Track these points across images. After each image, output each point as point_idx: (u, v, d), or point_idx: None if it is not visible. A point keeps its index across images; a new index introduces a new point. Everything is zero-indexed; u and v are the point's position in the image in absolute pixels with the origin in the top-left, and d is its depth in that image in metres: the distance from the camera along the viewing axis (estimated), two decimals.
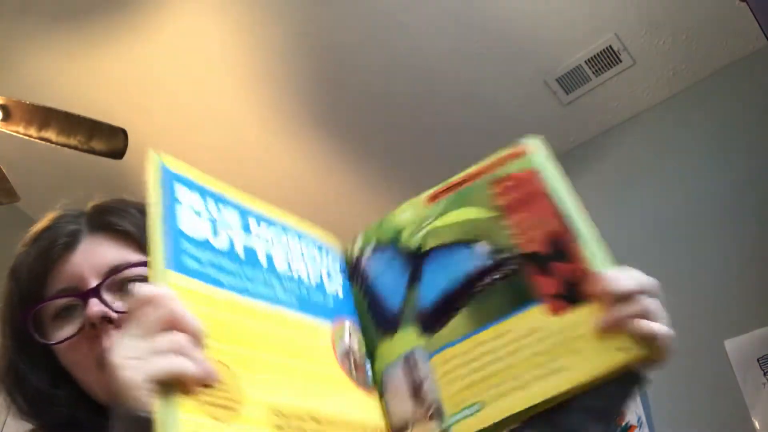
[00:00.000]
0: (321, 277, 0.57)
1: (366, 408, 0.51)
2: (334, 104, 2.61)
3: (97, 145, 1.99)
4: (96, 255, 0.59)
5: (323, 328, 0.53)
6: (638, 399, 2.06)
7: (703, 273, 2.11)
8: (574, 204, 0.57)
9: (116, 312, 0.56)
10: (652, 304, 0.48)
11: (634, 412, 2.04)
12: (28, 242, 0.62)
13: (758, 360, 1.86)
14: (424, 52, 2.39)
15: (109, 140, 2.00)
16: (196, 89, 2.58)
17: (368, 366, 0.55)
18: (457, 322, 0.53)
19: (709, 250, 2.14)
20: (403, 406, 0.51)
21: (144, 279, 0.57)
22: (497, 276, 0.54)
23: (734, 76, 2.36)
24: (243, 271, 0.49)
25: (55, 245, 0.59)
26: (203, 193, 0.52)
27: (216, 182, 0.54)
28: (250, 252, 0.51)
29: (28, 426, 0.60)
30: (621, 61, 2.39)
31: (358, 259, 0.62)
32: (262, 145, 2.80)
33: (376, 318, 0.57)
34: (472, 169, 0.63)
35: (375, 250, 0.61)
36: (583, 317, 0.49)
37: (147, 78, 2.53)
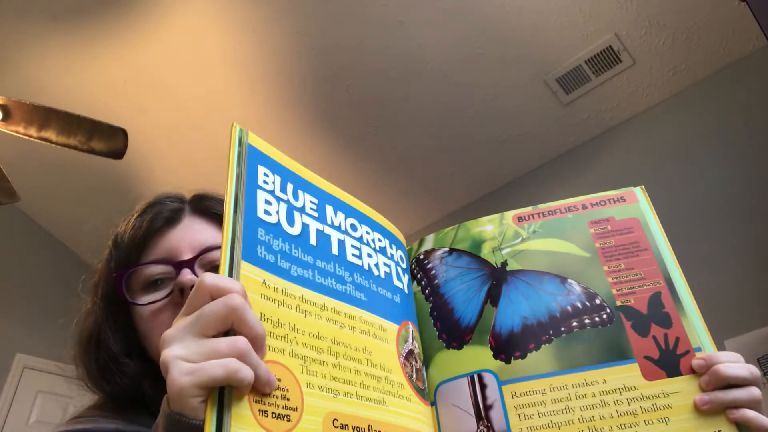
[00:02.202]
0: (391, 270, 0.55)
1: (422, 419, 0.49)
2: (334, 104, 2.61)
3: (97, 145, 1.99)
4: (194, 233, 0.62)
5: (390, 328, 0.51)
6: None
7: (703, 273, 2.11)
8: (676, 265, 0.55)
9: None
10: (759, 395, 0.48)
11: None
12: (133, 216, 0.64)
13: (758, 360, 1.86)
14: (424, 52, 2.39)
15: (109, 140, 2.00)
16: (196, 89, 2.58)
17: (425, 373, 0.53)
18: (539, 357, 0.51)
19: (708, 250, 2.14)
20: (464, 424, 0.49)
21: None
22: (589, 321, 0.52)
23: (734, 76, 2.36)
24: (315, 261, 0.47)
25: (158, 218, 0.63)
26: (285, 175, 0.50)
27: (297, 165, 0.52)
28: (324, 240, 0.49)
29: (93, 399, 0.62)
30: (621, 61, 2.39)
31: (426, 259, 0.59)
32: None
33: (440, 325, 0.55)
34: (567, 201, 0.60)
35: (448, 254, 0.59)
36: (678, 389, 0.48)
37: (147, 78, 2.53)
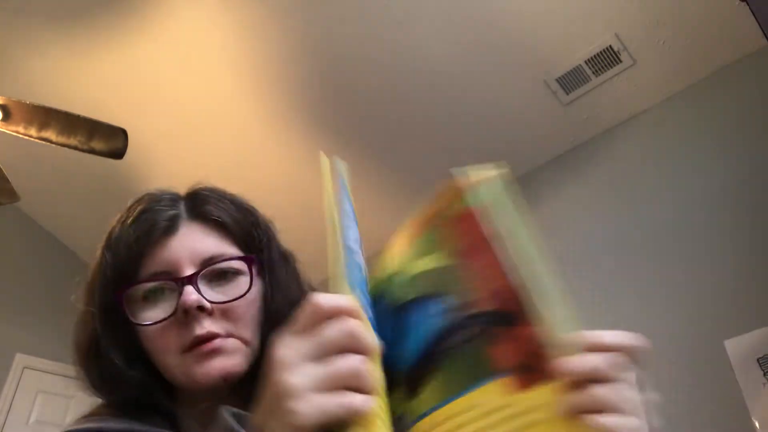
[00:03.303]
0: None
1: None
2: (334, 104, 2.61)
3: (97, 145, 1.99)
4: (193, 243, 0.60)
5: None
6: None
7: (702, 273, 2.11)
8: (531, 248, 0.46)
9: (210, 302, 0.56)
10: (608, 393, 0.38)
11: None
12: (127, 219, 0.61)
13: (758, 360, 1.86)
14: (424, 52, 2.39)
15: (109, 140, 2.00)
16: (197, 89, 2.58)
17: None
18: (431, 388, 0.47)
19: (709, 250, 2.14)
20: None
21: (237, 272, 0.59)
22: (461, 338, 0.47)
23: (734, 76, 2.36)
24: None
25: (155, 228, 0.59)
26: (351, 205, 0.50)
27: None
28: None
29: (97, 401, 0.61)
30: (621, 61, 2.39)
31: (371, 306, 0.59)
32: (262, 146, 2.80)
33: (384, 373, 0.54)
34: (423, 213, 0.53)
35: (376, 300, 0.54)
36: (546, 397, 0.41)
37: (147, 78, 2.53)
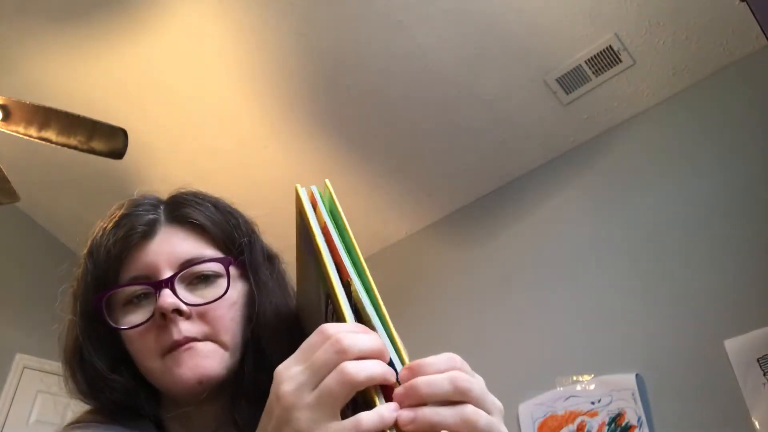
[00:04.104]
0: None
1: None
2: (334, 104, 2.61)
3: (97, 145, 1.99)
4: (171, 246, 0.59)
5: None
6: (638, 399, 2.06)
7: (702, 273, 2.11)
8: (342, 261, 0.44)
9: (187, 305, 0.56)
10: (472, 412, 0.37)
11: (634, 411, 2.04)
12: (107, 225, 0.61)
13: (758, 360, 1.86)
14: (424, 52, 2.39)
15: (109, 140, 2.00)
16: (196, 89, 2.58)
17: None
18: None
19: (709, 250, 2.14)
20: None
21: (216, 275, 0.59)
22: None
23: (734, 76, 2.36)
24: None
25: (133, 232, 0.59)
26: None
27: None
28: None
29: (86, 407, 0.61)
30: (621, 61, 2.39)
31: None
32: (261, 145, 2.80)
33: None
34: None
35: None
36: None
37: (147, 78, 2.53)
